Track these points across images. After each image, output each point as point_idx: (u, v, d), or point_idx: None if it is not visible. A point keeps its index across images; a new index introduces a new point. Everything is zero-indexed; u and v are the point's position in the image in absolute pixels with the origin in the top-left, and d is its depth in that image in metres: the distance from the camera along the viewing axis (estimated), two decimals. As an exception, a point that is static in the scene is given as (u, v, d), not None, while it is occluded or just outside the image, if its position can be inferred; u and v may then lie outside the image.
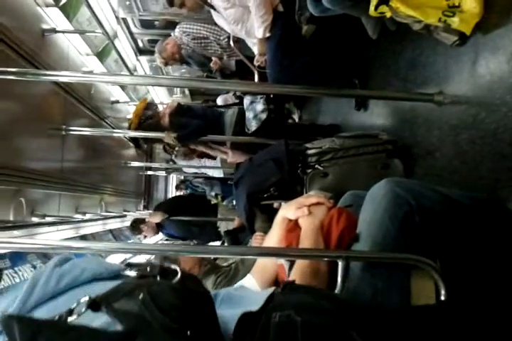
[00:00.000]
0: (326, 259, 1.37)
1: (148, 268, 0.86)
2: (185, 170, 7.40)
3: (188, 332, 0.69)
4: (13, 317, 0.69)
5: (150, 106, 4.55)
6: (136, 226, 5.53)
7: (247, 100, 3.85)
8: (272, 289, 0.94)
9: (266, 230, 2.28)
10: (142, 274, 0.86)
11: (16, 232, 2.95)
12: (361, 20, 2.86)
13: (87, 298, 0.75)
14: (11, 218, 2.94)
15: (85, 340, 0.65)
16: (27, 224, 3.12)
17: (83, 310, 0.73)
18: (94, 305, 0.75)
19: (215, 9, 3.45)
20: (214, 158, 6.12)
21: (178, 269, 0.84)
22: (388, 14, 2.16)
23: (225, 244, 4.67)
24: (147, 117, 4.12)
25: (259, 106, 3.74)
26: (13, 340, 0.67)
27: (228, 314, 0.81)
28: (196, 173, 7.50)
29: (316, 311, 0.80)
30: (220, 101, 5.78)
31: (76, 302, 0.74)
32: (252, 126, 3.70)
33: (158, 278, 0.84)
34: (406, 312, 1.07)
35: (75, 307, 0.74)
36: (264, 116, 3.70)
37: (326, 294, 1.10)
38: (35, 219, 3.30)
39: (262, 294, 0.92)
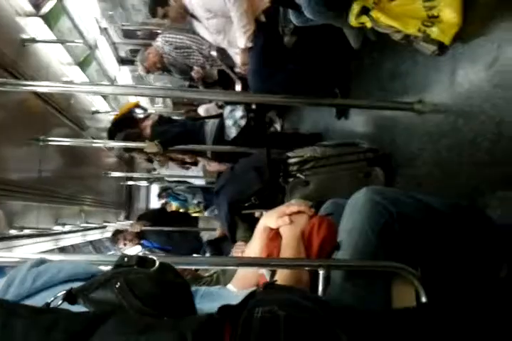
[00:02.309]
0: (307, 268, 1.37)
1: (125, 259, 0.85)
2: (166, 178, 7.34)
3: (165, 319, 0.69)
4: None
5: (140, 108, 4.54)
6: (117, 236, 5.48)
7: (227, 110, 3.85)
8: (253, 288, 0.93)
9: (247, 239, 2.26)
10: (119, 264, 0.84)
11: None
12: (343, 30, 2.88)
13: (63, 292, 0.74)
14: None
15: (61, 321, 0.65)
16: (4, 236, 3.07)
17: (59, 303, 0.73)
18: (70, 297, 0.74)
19: (197, 19, 3.46)
20: (196, 164, 6.09)
21: (155, 259, 0.83)
22: (369, 24, 2.19)
23: (206, 254, 4.64)
24: (130, 122, 4.08)
25: (239, 113, 3.73)
26: None
27: (207, 307, 0.80)
28: (178, 181, 7.45)
29: (299, 308, 0.78)
30: (201, 111, 5.77)
31: (53, 297, 0.74)
32: (232, 132, 3.69)
33: (136, 268, 0.82)
34: (388, 313, 1.07)
35: (51, 301, 0.73)
36: (243, 122, 3.69)
37: (308, 295, 1.09)
38: (13, 232, 3.24)
39: (242, 292, 0.90)
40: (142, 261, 0.83)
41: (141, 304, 0.70)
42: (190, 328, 0.64)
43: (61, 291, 0.75)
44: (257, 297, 0.84)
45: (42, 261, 0.90)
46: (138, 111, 4.22)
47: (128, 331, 0.65)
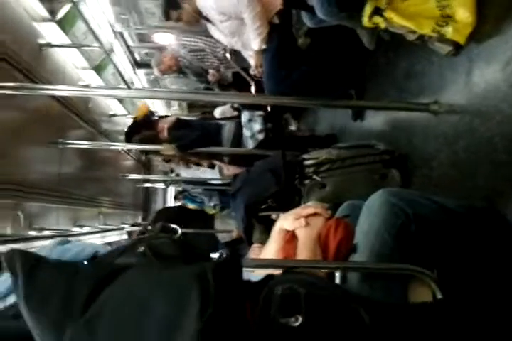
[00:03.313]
0: (323, 270, 1.37)
1: (148, 227, 0.86)
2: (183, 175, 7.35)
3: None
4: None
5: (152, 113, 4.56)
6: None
7: (245, 116, 3.85)
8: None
9: (264, 241, 2.26)
10: (143, 232, 0.86)
11: (13, 246, 2.93)
12: (356, 31, 2.88)
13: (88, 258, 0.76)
14: (9, 232, 2.93)
15: (85, 269, 0.67)
16: (25, 237, 3.11)
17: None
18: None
19: (211, 22, 3.47)
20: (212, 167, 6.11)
21: (178, 228, 0.84)
22: (382, 25, 2.18)
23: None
24: (146, 126, 4.10)
25: (257, 126, 3.74)
26: (14, 272, 0.68)
27: None
28: (194, 182, 7.45)
29: (319, 287, 0.79)
30: (217, 113, 5.79)
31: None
32: (249, 144, 3.70)
33: (159, 234, 0.84)
34: (406, 304, 1.07)
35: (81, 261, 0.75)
36: (261, 136, 3.71)
37: (327, 281, 1.09)
38: (32, 233, 3.28)
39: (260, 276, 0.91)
40: (165, 229, 0.85)
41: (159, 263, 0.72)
42: (210, 265, 0.65)
43: None
44: (277, 278, 0.85)
45: (67, 241, 0.92)
46: (152, 116, 4.24)
47: (150, 271, 0.67)
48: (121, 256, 0.75)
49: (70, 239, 1.00)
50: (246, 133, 3.77)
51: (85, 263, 0.77)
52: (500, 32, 1.85)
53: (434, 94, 2.32)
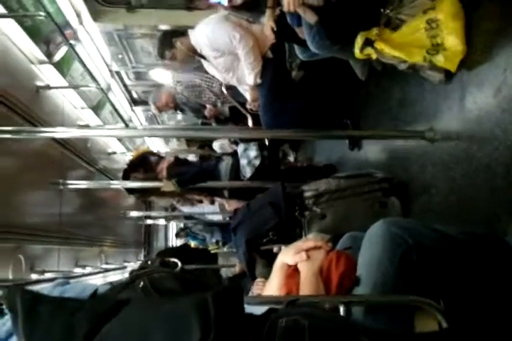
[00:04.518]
0: (327, 305, 1.35)
1: (148, 262, 0.86)
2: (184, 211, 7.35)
3: None
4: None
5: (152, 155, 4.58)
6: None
7: (240, 147, 3.88)
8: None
9: (267, 275, 2.24)
10: (143, 267, 0.85)
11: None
12: (349, 62, 2.92)
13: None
14: (10, 276, 2.89)
15: (85, 305, 0.68)
16: (26, 282, 3.07)
17: None
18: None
19: (205, 59, 3.53)
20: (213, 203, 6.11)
21: (177, 261, 0.84)
22: (374, 56, 2.22)
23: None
24: (145, 164, 4.12)
25: (253, 153, 3.76)
26: (14, 310, 0.68)
27: None
28: (196, 218, 7.44)
29: (323, 319, 0.77)
30: (216, 146, 5.83)
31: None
32: (247, 172, 3.71)
33: (159, 268, 0.83)
34: (415, 336, 1.05)
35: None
36: (257, 162, 3.72)
37: (333, 313, 1.07)
38: (34, 276, 3.25)
39: (264, 307, 0.90)
40: (165, 264, 0.84)
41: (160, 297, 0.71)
42: (210, 293, 0.63)
43: None
44: (280, 311, 0.84)
45: (66, 282, 0.91)
46: (151, 157, 4.27)
47: (150, 304, 0.67)
48: (122, 291, 0.74)
49: (68, 280, 0.98)
50: (243, 161, 3.78)
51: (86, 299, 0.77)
52: (490, 58, 1.88)
53: (429, 122, 2.34)
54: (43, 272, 3.34)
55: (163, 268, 0.83)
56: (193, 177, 3.83)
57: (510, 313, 1.32)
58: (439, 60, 2.02)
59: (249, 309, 0.88)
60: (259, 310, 0.86)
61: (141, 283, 0.74)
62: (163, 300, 0.70)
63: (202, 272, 5.41)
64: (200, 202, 5.17)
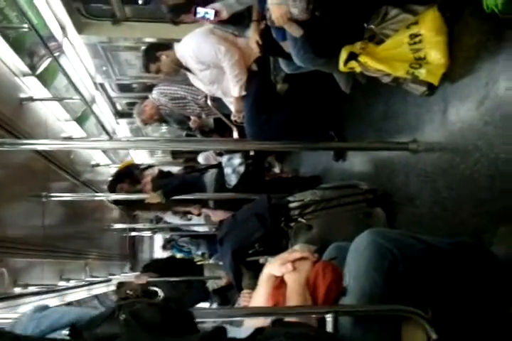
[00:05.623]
0: (314, 316, 1.35)
1: (128, 291, 0.85)
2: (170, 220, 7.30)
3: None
4: None
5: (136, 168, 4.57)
6: (121, 289, 5.39)
7: (224, 158, 3.90)
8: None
9: (254, 287, 2.22)
10: (124, 298, 0.84)
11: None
12: (333, 75, 2.95)
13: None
14: (-8, 290, 2.86)
15: None
16: (9, 296, 3.02)
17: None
18: (74, 332, 0.72)
19: (190, 71, 3.54)
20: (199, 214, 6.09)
21: (158, 290, 0.83)
22: (358, 69, 2.25)
23: (214, 303, 4.58)
24: (130, 178, 4.12)
25: (237, 160, 3.78)
26: None
27: None
28: (181, 230, 7.39)
29: (310, 337, 0.77)
30: (201, 158, 5.82)
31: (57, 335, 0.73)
32: (232, 180, 3.72)
33: (140, 298, 0.82)
34: None
35: (55, 338, 0.72)
36: (242, 169, 3.73)
37: (317, 330, 1.07)
38: (17, 290, 3.20)
39: (250, 329, 0.89)
40: (146, 293, 0.84)
41: (147, 335, 0.69)
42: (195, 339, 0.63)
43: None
44: (266, 331, 0.84)
45: (45, 307, 0.90)
46: (135, 170, 4.26)
47: None
48: (102, 324, 0.72)
49: (48, 304, 0.97)
50: (227, 170, 3.80)
51: (65, 332, 0.75)
52: (472, 71, 1.91)
53: (412, 133, 2.37)
54: (26, 286, 3.29)
55: (143, 299, 0.82)
56: (177, 187, 3.83)
57: (497, 322, 1.34)
58: (422, 73, 2.05)
59: (234, 332, 0.88)
60: (245, 331, 0.86)
61: (123, 315, 0.73)
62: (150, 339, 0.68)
63: (189, 287, 5.39)
64: (188, 213, 5.14)
